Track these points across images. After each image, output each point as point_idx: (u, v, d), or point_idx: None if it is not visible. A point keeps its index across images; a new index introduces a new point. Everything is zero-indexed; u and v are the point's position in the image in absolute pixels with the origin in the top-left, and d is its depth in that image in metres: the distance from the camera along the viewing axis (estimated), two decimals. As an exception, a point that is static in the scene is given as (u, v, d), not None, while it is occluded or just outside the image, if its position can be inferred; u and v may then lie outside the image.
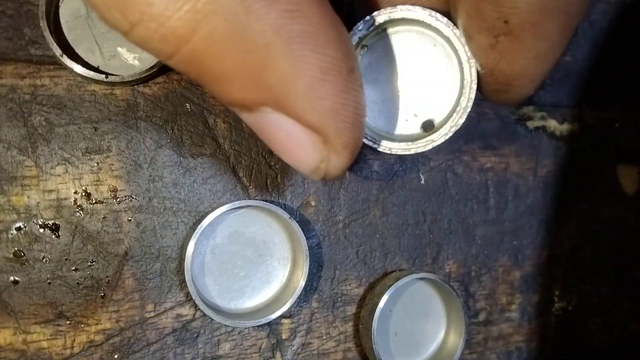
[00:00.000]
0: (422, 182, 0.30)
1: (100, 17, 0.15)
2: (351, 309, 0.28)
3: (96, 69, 0.24)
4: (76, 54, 0.24)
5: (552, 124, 0.32)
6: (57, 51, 0.23)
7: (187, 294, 0.25)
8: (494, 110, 0.31)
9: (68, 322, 0.24)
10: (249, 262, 0.26)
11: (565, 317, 0.33)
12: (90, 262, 0.25)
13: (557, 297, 0.32)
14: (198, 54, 0.14)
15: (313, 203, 0.28)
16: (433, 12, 0.20)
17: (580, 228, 0.33)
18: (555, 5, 0.17)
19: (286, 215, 0.26)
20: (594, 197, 0.33)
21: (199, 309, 0.25)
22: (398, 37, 0.22)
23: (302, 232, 0.26)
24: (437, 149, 0.30)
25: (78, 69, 0.23)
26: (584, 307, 0.33)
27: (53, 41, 0.23)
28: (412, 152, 0.21)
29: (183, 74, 0.16)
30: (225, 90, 0.15)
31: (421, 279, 0.28)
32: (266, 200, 0.27)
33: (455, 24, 0.20)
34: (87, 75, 0.23)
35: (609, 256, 0.34)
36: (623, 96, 0.34)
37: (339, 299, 0.28)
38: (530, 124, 0.31)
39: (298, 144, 0.16)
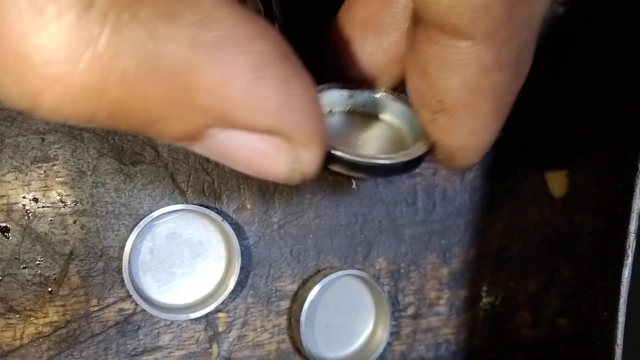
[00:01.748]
0: (354, 186, 0.32)
1: (2, 100, 0.13)
2: (285, 304, 0.31)
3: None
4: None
5: (479, 131, 0.34)
6: (4, 70, 0.25)
7: (128, 290, 0.28)
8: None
9: (18, 316, 0.27)
10: (186, 261, 0.29)
11: (493, 311, 0.35)
12: (39, 261, 0.27)
13: (484, 293, 0.35)
14: (118, 104, 0.13)
15: (249, 206, 0.30)
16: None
17: (508, 229, 0.35)
18: (485, 86, 0.17)
19: (219, 218, 0.28)
20: (522, 199, 0.36)
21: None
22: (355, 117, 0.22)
23: (234, 233, 0.28)
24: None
25: (23, 86, 0.26)
26: (511, 302, 0.35)
27: (0, 61, 0.25)
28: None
29: (116, 131, 0.15)
30: (163, 130, 0.14)
31: (349, 275, 0.31)
32: (203, 204, 0.29)
33: None
34: (32, 92, 0.26)
35: (537, 255, 0.36)
36: (551, 102, 0.36)
37: (274, 295, 0.31)
38: (456, 132, 0.34)
39: (263, 155, 0.15)
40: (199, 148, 0.15)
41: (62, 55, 0.12)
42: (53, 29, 0.12)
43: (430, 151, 0.20)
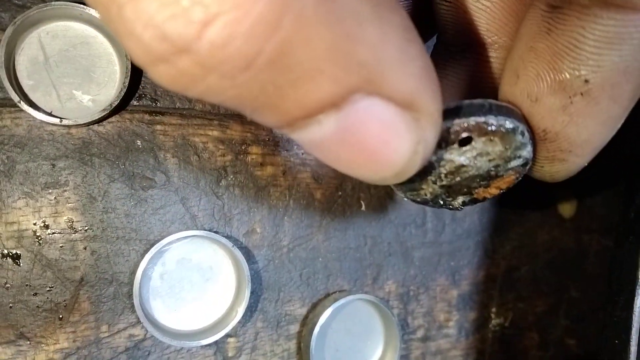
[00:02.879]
0: (363, 208, 0.32)
1: (149, 39, 0.11)
2: (295, 328, 0.31)
3: (50, 114, 0.26)
4: (35, 98, 0.27)
5: (488, 152, 0.34)
6: (15, 97, 0.25)
7: (138, 316, 0.28)
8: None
9: (28, 343, 0.27)
10: (196, 286, 0.29)
11: (502, 333, 0.35)
12: (49, 287, 0.27)
13: (493, 314, 0.35)
14: (287, 44, 0.12)
15: (258, 230, 0.30)
16: None
17: (516, 250, 0.35)
18: (635, 67, 0.16)
19: (229, 244, 0.28)
20: (531, 221, 0.36)
21: (149, 329, 0.27)
22: None
23: (244, 258, 0.28)
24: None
25: (35, 113, 0.26)
26: (520, 323, 0.35)
27: (11, 88, 0.25)
28: None
29: (242, 101, 0.13)
30: (310, 92, 0.13)
31: (359, 299, 0.30)
32: (213, 229, 0.29)
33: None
34: (43, 119, 0.26)
35: (545, 276, 0.36)
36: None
37: (283, 319, 0.31)
38: (466, 154, 0.33)
39: (392, 131, 0.14)
40: (328, 125, 0.14)
41: None
42: None
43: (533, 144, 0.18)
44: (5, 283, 0.27)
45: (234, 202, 0.30)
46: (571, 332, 0.37)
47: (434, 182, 0.19)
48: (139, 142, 0.28)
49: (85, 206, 0.28)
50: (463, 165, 0.18)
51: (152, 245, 0.27)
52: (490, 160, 0.18)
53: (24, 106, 0.25)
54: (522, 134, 0.18)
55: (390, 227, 0.32)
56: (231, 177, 0.30)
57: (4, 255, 0.27)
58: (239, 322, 0.29)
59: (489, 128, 0.17)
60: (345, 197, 0.32)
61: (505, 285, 0.35)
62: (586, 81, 0.17)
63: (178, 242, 0.28)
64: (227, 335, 0.29)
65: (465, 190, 0.19)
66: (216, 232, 0.29)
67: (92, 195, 0.28)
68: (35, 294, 0.27)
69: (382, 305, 0.30)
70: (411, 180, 0.18)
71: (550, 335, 0.36)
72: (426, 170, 0.18)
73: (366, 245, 0.32)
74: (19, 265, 0.27)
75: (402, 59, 0.14)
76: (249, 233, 0.30)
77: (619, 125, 0.18)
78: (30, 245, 0.27)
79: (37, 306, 0.27)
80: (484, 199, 0.20)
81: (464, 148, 0.17)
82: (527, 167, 0.19)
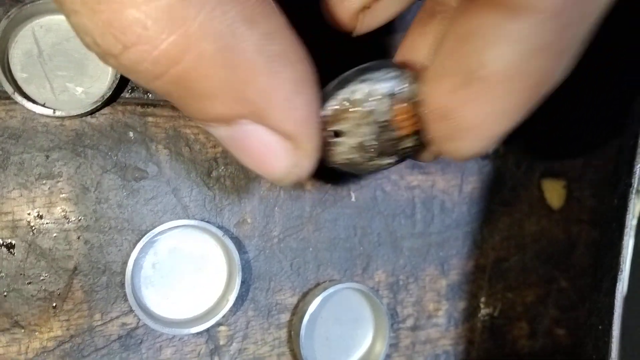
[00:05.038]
0: (353, 199, 0.33)
1: (88, 42, 0.15)
2: (285, 317, 0.31)
3: (44, 105, 0.27)
4: (29, 90, 0.27)
5: (476, 144, 0.35)
6: (9, 90, 0.26)
7: (131, 305, 0.28)
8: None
9: (23, 331, 0.27)
10: (188, 276, 0.29)
11: (491, 322, 0.35)
12: (43, 276, 0.28)
13: (482, 304, 0.35)
14: (187, 73, 0.15)
15: (249, 220, 0.31)
16: None
17: (505, 240, 0.36)
18: (526, 70, 0.17)
19: (220, 233, 0.28)
20: (520, 211, 0.36)
21: (142, 317, 0.28)
22: None
23: (234, 247, 0.29)
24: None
25: (28, 105, 0.26)
26: (509, 313, 0.36)
27: (6, 81, 0.26)
28: None
29: (161, 95, 0.17)
30: (207, 107, 0.16)
31: (348, 288, 0.31)
32: (205, 219, 0.30)
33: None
34: (37, 111, 0.26)
35: (534, 267, 0.36)
36: (547, 112, 0.37)
37: (274, 308, 0.31)
38: (454, 145, 0.34)
39: (272, 152, 0.18)
40: (222, 131, 0.18)
41: (160, 26, 0.14)
42: (161, 3, 0.14)
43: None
44: (0, 272, 0.27)
45: (225, 193, 0.30)
46: (560, 322, 0.37)
47: (370, 160, 0.21)
48: (131, 134, 0.29)
49: (79, 197, 0.28)
50: (360, 143, 0.20)
51: (144, 235, 0.28)
52: (368, 124, 0.20)
53: (18, 98, 0.26)
54: (361, 89, 0.20)
55: (379, 217, 0.33)
56: (222, 168, 0.30)
57: (-2, 245, 0.27)
58: (230, 310, 0.29)
59: (335, 113, 0.20)
60: (336, 188, 0.32)
61: (494, 275, 0.35)
62: (484, 66, 0.17)
63: (169, 232, 0.29)
64: (219, 324, 0.30)
65: (392, 143, 0.21)
66: (207, 223, 0.29)
67: (85, 186, 0.28)
68: (30, 283, 0.27)
69: (371, 294, 0.31)
70: (359, 169, 0.21)
71: (539, 325, 0.36)
72: (354, 161, 0.21)
73: (356, 236, 0.33)
74: (14, 254, 0.27)
75: (286, 106, 0.17)
76: (239, 223, 0.31)
77: (515, 120, 0.18)
78: (25, 235, 0.27)
79: (32, 295, 0.28)
80: (415, 125, 0.20)
81: (341, 138, 0.20)
82: (401, 90, 0.20)
